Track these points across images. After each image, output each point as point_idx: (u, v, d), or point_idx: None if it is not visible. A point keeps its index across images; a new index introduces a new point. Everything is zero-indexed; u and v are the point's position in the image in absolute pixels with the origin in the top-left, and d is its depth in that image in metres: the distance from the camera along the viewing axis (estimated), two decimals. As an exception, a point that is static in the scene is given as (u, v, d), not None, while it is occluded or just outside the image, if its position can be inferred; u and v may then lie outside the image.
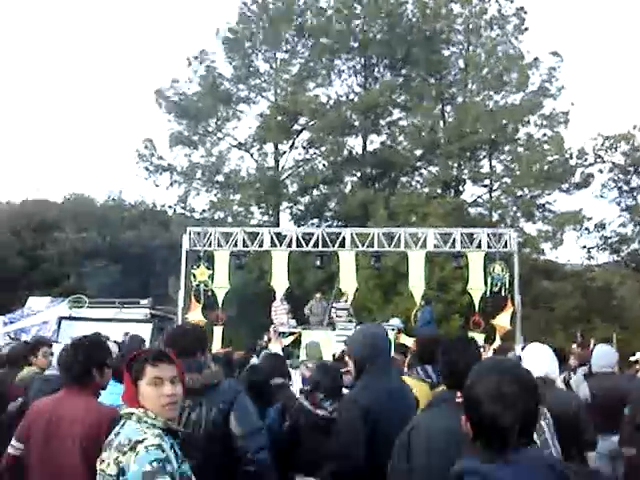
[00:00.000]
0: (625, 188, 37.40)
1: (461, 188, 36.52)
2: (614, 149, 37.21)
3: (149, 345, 11.49)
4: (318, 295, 17.98)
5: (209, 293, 18.32)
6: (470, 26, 36.40)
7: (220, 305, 18.21)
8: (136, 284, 29.41)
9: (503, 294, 17.90)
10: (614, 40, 68.72)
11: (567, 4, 68.93)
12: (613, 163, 37.10)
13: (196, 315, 17.90)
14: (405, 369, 5.67)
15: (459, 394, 2.88)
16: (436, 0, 36.57)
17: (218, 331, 17.83)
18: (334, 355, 9.79)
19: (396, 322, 17.02)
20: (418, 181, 37.25)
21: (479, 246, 18.06)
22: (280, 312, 17.26)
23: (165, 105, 36.02)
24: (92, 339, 4.35)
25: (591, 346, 16.85)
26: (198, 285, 18.17)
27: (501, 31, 36.17)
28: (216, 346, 16.68)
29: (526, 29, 35.74)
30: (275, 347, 10.81)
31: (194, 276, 18.28)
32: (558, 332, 30.34)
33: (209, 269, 18.27)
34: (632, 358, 8.23)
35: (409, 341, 15.34)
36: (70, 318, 17.02)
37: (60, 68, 67.72)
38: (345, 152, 36.45)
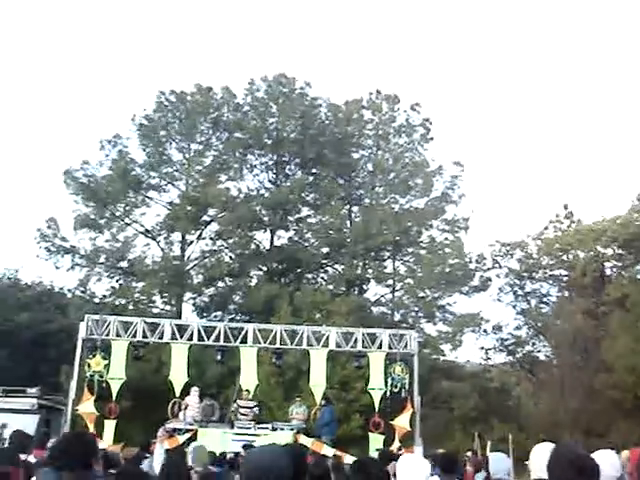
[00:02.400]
0: (520, 293, 39.20)
1: (365, 287, 37.19)
2: (510, 255, 39.20)
3: (34, 438, 10.82)
4: (208, 398, 17.41)
5: (103, 384, 17.58)
6: (379, 132, 38.11)
7: (114, 397, 17.47)
8: (25, 371, 27.91)
9: (403, 395, 18.02)
10: (512, 154, 73.41)
11: (469, 118, 73.58)
12: (509, 269, 38.96)
13: (88, 407, 17.11)
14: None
15: None
16: (348, 105, 38.27)
17: (111, 425, 17.05)
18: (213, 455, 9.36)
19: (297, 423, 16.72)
20: (323, 278, 37.70)
21: (380, 346, 18.27)
22: (193, 407, 16.71)
23: (73, 186, 35.28)
24: None
25: (488, 447, 17.05)
26: (92, 375, 17.41)
27: (408, 139, 38.00)
28: (107, 441, 15.92)
29: (431, 138, 37.77)
30: (158, 450, 10.15)
31: (89, 365, 17.54)
32: (457, 432, 30.65)
33: (105, 359, 17.60)
34: (527, 462, 8.35)
35: (308, 442, 15.12)
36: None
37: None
38: (252, 246, 36.55)
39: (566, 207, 38.85)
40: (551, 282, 39.06)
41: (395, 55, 77.54)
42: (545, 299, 39.33)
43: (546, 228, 38.96)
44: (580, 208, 43.91)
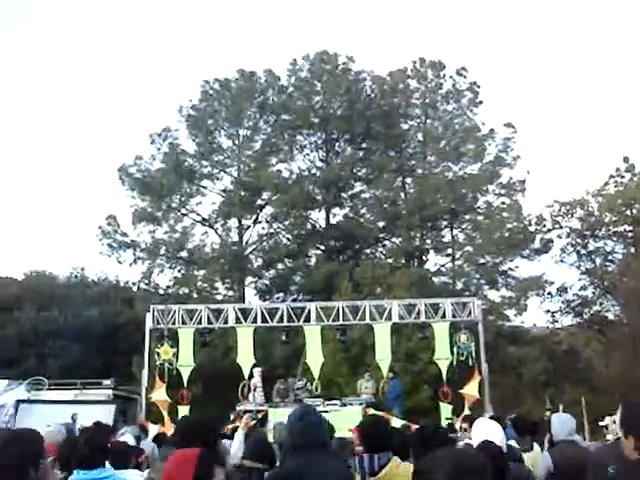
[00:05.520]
0: (583, 252, 38.22)
1: (424, 258, 36.95)
2: (570, 215, 38.20)
3: (112, 427, 11.15)
4: (281, 381, 17.68)
5: (174, 372, 18.00)
6: (427, 100, 37.60)
7: (185, 384, 17.88)
8: (99, 363, 28.81)
9: (470, 363, 17.90)
10: (564, 109, 71.42)
11: (519, 78, 71.83)
12: (570, 228, 38.01)
13: (160, 395, 17.58)
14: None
15: None
16: (393, 76, 37.84)
17: (184, 411, 17.47)
18: None
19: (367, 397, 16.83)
20: (382, 252, 37.61)
21: (444, 316, 18.17)
22: (259, 388, 17.06)
23: (128, 182, 36.08)
24: (24, 434, 3.89)
25: (560, 410, 16.85)
26: (162, 364, 17.86)
27: (456, 105, 37.40)
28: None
29: (480, 102, 37.07)
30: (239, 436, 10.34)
31: (158, 354, 17.99)
32: (527, 398, 30.34)
33: (173, 347, 18.01)
34: (601, 423, 8.21)
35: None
36: (28, 401, 16.51)
37: (21, 143, 67.78)
38: (308, 226, 36.85)
39: (626, 160, 37.55)
40: (615, 239, 37.94)
41: (437, 20, 75.94)
42: (610, 257, 38.26)
43: (606, 183, 37.77)
44: (642, 159, 42.30)
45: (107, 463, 4.48)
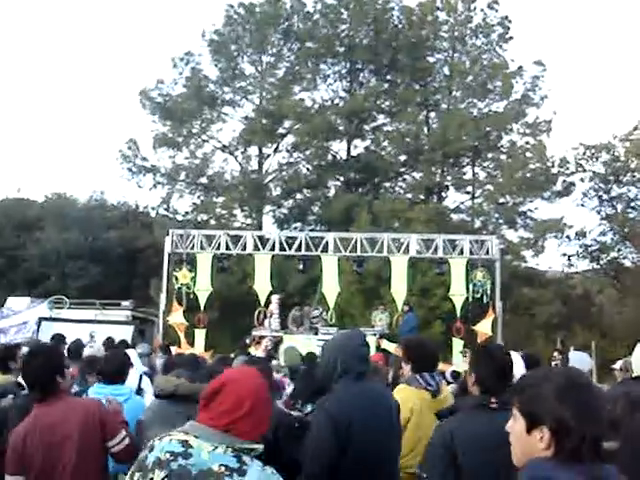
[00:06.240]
0: (605, 197, 37.70)
1: (444, 194, 36.70)
2: (595, 159, 37.49)
3: (129, 347, 11.42)
4: (297, 309, 17.98)
5: (191, 296, 18.27)
6: (455, 34, 36.61)
7: (202, 308, 18.16)
8: (118, 285, 29.33)
9: (484, 301, 18.00)
10: (596, 51, 69.45)
11: (551, 15, 69.63)
12: (594, 172, 37.38)
13: (177, 317, 17.90)
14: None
15: (493, 399, 3.15)
16: (422, 7, 36.80)
17: (201, 334, 17.84)
18: (301, 356, 9.58)
19: (380, 328, 17.09)
20: (401, 187, 37.41)
21: (461, 253, 18.16)
22: (276, 315, 17.39)
23: (149, 106, 35.89)
24: (49, 347, 4.36)
25: (570, 353, 17.02)
26: (180, 287, 18.11)
27: (486, 39, 36.41)
28: (199, 349, 16.68)
29: (510, 38, 36.06)
30: (257, 352, 10.73)
31: (176, 278, 18.21)
32: (539, 339, 30.58)
33: (191, 272, 18.22)
34: (614, 366, 8.25)
35: (390, 347, 15.40)
36: (50, 319, 16.86)
37: (43, 67, 67.27)
38: (329, 156, 36.60)
39: (657, 104, 36.69)
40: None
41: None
42: (633, 204, 37.72)
43: (635, 128, 36.85)
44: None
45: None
